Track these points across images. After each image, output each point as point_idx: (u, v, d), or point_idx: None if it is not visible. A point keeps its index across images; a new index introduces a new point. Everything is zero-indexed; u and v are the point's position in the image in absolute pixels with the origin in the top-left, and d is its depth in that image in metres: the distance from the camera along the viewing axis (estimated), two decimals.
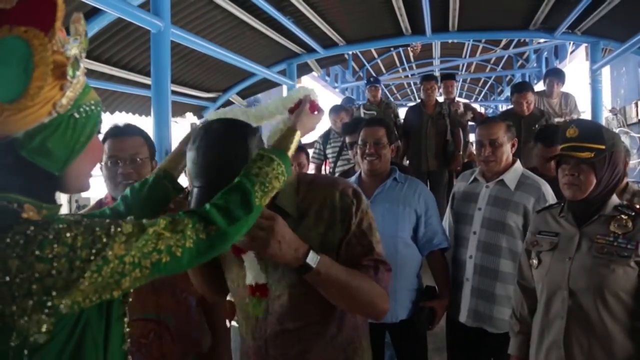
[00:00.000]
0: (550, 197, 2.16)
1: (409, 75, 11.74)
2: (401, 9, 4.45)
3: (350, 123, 3.59)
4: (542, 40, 6.59)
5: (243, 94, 5.83)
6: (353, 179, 2.45)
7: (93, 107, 0.86)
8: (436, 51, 9.65)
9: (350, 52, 7.50)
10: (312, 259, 1.14)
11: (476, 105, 9.63)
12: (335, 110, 4.67)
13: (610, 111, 6.28)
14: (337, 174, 4.17)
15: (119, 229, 0.80)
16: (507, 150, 2.25)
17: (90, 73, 3.76)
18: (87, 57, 3.48)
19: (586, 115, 5.04)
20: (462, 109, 4.97)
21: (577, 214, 1.73)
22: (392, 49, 9.44)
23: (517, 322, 1.89)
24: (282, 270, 1.23)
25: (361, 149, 2.31)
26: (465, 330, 2.24)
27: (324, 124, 4.98)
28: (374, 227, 1.33)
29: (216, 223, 0.90)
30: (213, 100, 5.50)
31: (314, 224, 1.25)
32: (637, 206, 1.72)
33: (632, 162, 4.61)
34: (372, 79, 5.89)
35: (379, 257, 1.28)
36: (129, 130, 1.73)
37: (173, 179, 1.29)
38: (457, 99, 5.23)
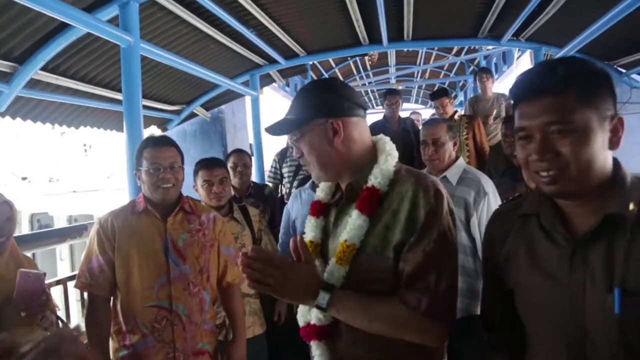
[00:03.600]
0: (491, 190, 2.29)
1: (366, 84, 12.05)
2: (359, 20, 4.62)
3: None
4: (490, 47, 6.98)
5: (207, 106, 5.89)
6: (307, 184, 2.65)
7: None
8: (391, 59, 9.96)
9: (310, 62, 7.65)
10: (323, 298, 1.14)
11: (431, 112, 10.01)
12: None
13: None
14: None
15: None
16: (450, 149, 2.42)
17: (56, 88, 3.77)
18: (54, 72, 3.52)
19: None
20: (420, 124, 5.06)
21: None
22: (349, 58, 9.67)
23: None
24: None
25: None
26: None
27: (281, 141, 4.94)
28: (449, 245, 1.17)
29: None
30: (177, 112, 5.53)
31: (384, 216, 1.19)
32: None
33: None
34: None
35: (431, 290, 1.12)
36: (167, 141, 2.00)
37: None
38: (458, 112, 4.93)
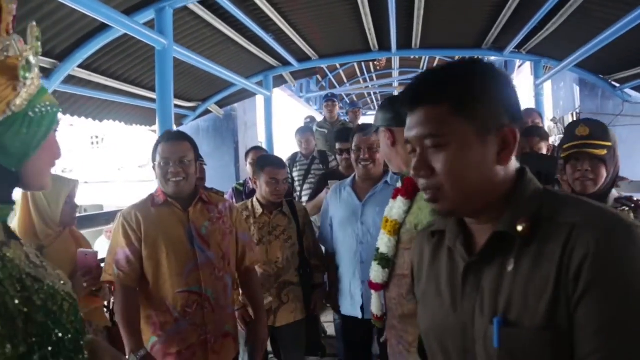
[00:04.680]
0: None
1: (369, 86, 12.30)
2: (371, 28, 4.89)
3: (343, 130, 3.83)
4: (493, 57, 7.25)
5: (221, 104, 6.14)
6: (348, 181, 2.63)
7: (48, 108, 0.89)
8: (395, 63, 10.20)
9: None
10: None
11: None
12: (301, 131, 4.63)
13: (552, 120, 6.88)
14: (303, 198, 4.21)
15: None
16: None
17: (87, 84, 4.03)
18: (88, 69, 3.77)
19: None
20: None
21: None
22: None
23: None
24: None
25: (356, 154, 2.46)
26: None
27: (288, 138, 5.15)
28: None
29: None
30: (193, 109, 5.78)
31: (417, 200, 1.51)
32: (635, 198, 1.81)
33: None
34: (329, 94, 5.84)
35: None
36: (179, 136, 2.08)
37: None
38: None
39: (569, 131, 1.85)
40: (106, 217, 3.51)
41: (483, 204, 0.84)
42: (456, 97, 0.82)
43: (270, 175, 2.68)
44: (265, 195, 2.70)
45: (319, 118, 6.12)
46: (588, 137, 1.76)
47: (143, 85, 4.53)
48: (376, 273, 1.64)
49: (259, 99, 6.82)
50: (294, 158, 4.61)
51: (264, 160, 2.82)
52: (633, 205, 1.73)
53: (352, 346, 2.65)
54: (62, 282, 0.95)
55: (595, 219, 0.75)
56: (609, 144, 1.77)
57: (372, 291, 1.72)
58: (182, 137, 2.08)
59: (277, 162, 2.80)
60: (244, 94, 6.18)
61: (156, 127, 3.39)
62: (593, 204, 0.80)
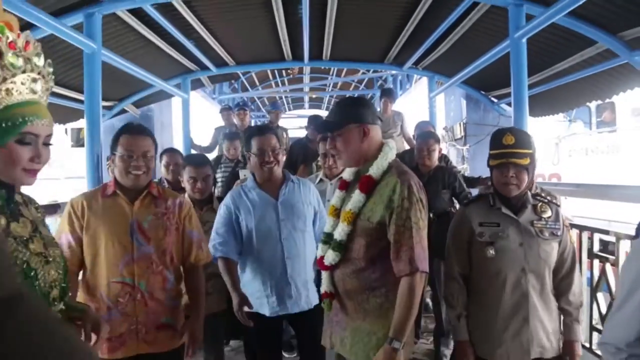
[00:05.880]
0: None
1: (280, 90, 12.69)
2: (285, 39, 5.30)
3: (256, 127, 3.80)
4: (394, 71, 7.97)
5: (137, 104, 6.21)
6: (250, 184, 2.52)
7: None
8: (307, 69, 10.66)
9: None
10: None
11: None
12: (229, 138, 4.72)
13: (444, 129, 7.74)
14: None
15: None
16: None
17: None
18: None
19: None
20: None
21: (509, 206, 1.99)
22: None
23: (462, 309, 2.05)
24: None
25: (260, 157, 2.41)
26: None
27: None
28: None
29: None
30: (109, 108, 5.79)
31: (374, 196, 1.75)
32: (544, 194, 2.07)
33: (460, 167, 5.94)
34: (240, 103, 5.94)
35: None
36: (142, 131, 2.08)
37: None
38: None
39: (496, 139, 1.98)
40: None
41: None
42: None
43: (190, 173, 2.83)
44: (189, 193, 2.86)
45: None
46: (513, 145, 1.91)
47: (63, 84, 4.55)
48: (330, 257, 1.83)
49: (175, 101, 6.93)
50: (217, 160, 4.78)
51: (186, 159, 2.99)
52: (547, 200, 2.01)
53: (268, 349, 2.51)
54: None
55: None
56: (530, 151, 1.93)
57: (323, 271, 1.91)
58: (147, 132, 2.10)
59: (198, 161, 2.91)
60: (162, 95, 6.28)
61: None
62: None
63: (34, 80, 1.17)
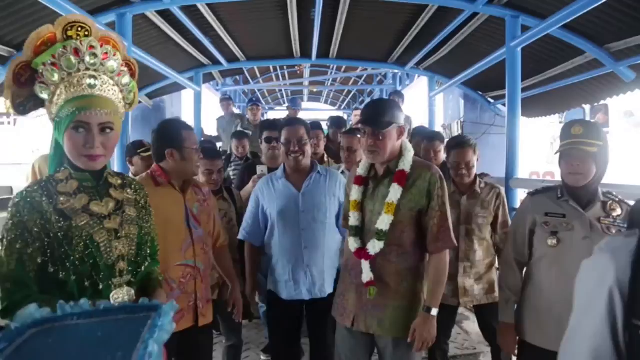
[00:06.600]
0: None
1: (281, 84, 12.88)
2: (296, 38, 5.56)
3: (271, 120, 4.00)
4: (396, 70, 8.23)
5: (151, 95, 6.47)
6: (279, 173, 2.59)
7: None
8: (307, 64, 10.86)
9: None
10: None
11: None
12: (237, 137, 4.79)
13: (442, 126, 7.92)
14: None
15: None
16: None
17: None
18: None
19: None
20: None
21: (577, 199, 1.96)
22: None
23: (512, 294, 2.12)
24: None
25: (286, 146, 2.49)
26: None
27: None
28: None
29: None
30: None
31: (410, 187, 1.96)
32: (618, 195, 2.00)
33: None
34: (254, 99, 6.22)
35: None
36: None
37: None
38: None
39: (565, 130, 1.96)
40: None
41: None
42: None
43: (206, 166, 2.93)
44: (203, 182, 2.96)
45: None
46: (581, 135, 1.88)
47: None
48: (377, 246, 1.97)
49: (184, 93, 7.19)
50: (227, 159, 4.84)
51: (202, 152, 3.03)
52: (617, 199, 1.97)
53: (283, 329, 2.60)
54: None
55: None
56: (600, 143, 1.87)
57: (364, 261, 2.01)
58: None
59: (213, 155, 3.02)
60: (174, 87, 6.54)
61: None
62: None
63: (91, 77, 1.30)
